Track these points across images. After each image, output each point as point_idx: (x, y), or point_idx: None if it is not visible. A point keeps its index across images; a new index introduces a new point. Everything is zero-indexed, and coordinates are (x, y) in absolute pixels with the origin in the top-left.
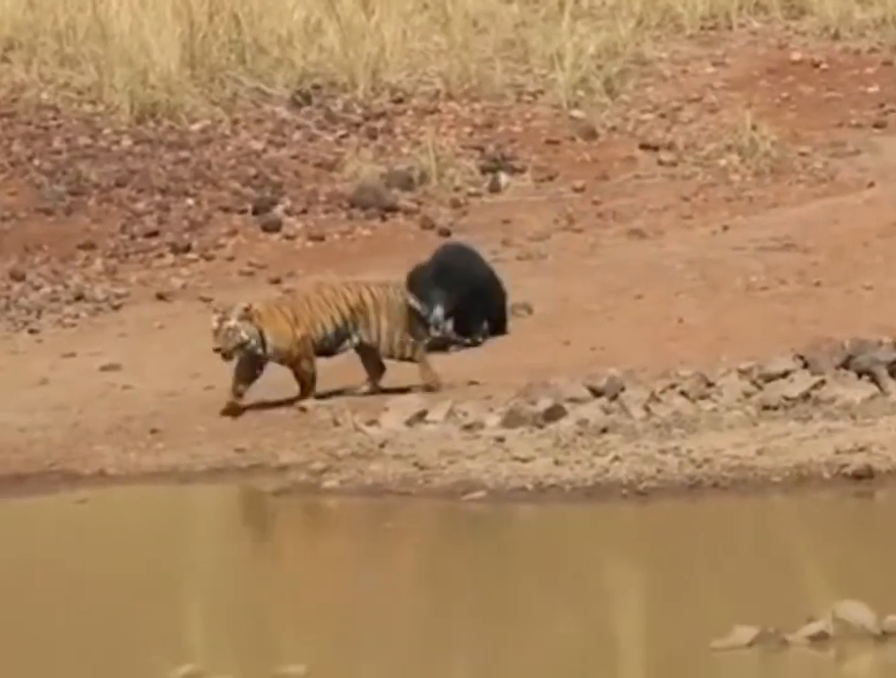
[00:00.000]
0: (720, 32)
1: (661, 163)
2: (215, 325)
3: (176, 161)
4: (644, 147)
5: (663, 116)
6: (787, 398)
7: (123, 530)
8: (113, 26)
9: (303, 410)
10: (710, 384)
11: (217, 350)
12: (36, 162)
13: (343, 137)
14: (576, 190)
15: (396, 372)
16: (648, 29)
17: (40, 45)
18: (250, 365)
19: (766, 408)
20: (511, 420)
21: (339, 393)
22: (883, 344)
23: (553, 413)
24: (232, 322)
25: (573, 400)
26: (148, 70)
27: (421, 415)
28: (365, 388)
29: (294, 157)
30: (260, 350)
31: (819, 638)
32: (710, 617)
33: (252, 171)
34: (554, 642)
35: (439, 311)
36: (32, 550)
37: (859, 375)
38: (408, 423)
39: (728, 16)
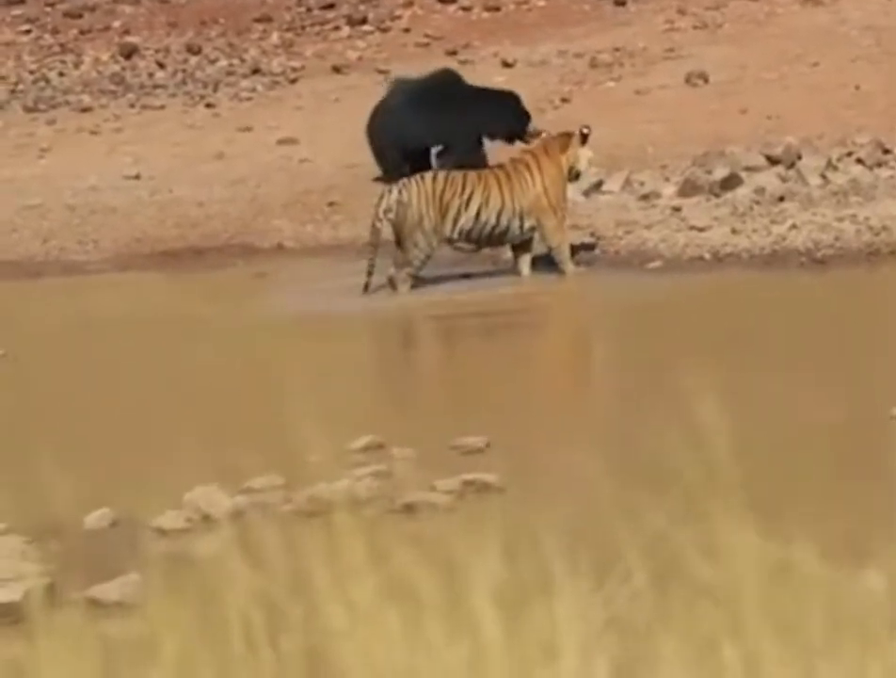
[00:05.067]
0: None
1: None
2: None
3: None
4: None
5: None
6: None
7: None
8: None
9: None
10: (886, 151)
11: None
12: None
13: None
14: None
15: None
16: None
17: None
18: None
19: None
20: (687, 189)
21: None
22: None
23: (730, 182)
24: None
25: (750, 169)
26: None
27: (597, 185)
28: None
29: None
30: None
31: None
32: (891, 385)
33: None
34: (732, 409)
35: None
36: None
37: None
38: (585, 193)
39: None
